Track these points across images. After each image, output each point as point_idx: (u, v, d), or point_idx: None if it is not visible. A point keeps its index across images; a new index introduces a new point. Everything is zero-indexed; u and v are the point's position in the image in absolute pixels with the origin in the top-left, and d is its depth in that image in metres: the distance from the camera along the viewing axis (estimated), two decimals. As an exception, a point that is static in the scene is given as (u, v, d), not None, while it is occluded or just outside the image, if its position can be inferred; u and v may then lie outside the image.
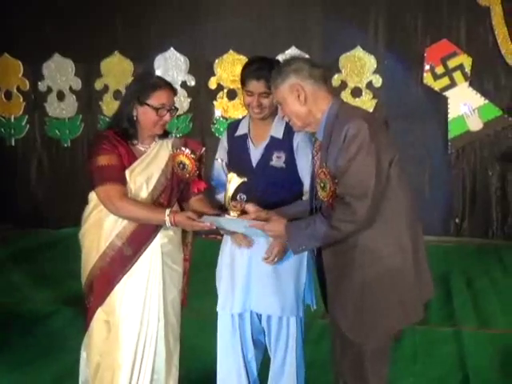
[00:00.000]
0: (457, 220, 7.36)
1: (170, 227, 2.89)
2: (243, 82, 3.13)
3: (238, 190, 2.81)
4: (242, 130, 3.27)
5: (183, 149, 2.93)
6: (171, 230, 2.98)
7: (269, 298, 3.16)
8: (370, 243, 2.54)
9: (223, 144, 3.32)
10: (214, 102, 7.71)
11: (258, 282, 3.17)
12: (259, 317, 3.28)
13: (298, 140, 3.14)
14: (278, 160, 3.14)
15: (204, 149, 3.06)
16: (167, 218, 2.82)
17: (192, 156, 2.92)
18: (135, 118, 2.93)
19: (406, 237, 2.58)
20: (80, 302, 3.10)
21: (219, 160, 3.27)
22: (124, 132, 2.94)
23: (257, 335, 3.32)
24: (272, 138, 3.17)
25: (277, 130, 3.17)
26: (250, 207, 2.73)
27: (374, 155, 2.45)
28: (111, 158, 2.86)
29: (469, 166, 7.29)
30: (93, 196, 2.98)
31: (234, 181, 2.75)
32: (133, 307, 2.94)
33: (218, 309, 3.28)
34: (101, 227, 2.95)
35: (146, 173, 2.94)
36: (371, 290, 2.56)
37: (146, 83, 2.96)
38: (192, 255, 3.18)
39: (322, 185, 2.55)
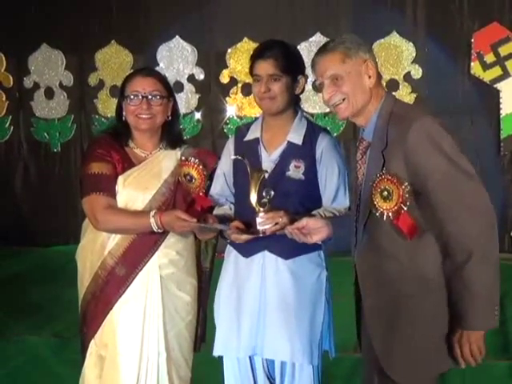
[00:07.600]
0: (511, 234, 7.29)
1: (171, 243, 2.93)
2: (251, 67, 3.03)
3: (262, 187, 2.81)
4: (252, 133, 3.11)
5: (193, 159, 2.94)
6: (174, 249, 2.98)
7: (280, 339, 2.96)
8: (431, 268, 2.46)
9: (229, 151, 3.14)
10: (227, 99, 7.70)
11: (269, 318, 2.99)
12: (270, 362, 3.10)
13: (323, 147, 3.00)
14: (296, 170, 2.98)
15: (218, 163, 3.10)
16: (152, 220, 2.84)
17: (202, 169, 2.93)
18: (124, 118, 3.01)
19: None
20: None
21: (222, 169, 3.13)
22: (116, 133, 3.01)
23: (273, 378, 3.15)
24: (290, 143, 3.01)
25: (296, 134, 3.02)
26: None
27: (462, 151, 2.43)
28: (102, 166, 2.92)
29: (525, 170, 7.24)
30: None
31: (255, 178, 2.81)
32: (130, 339, 2.92)
33: (217, 352, 3.08)
34: (94, 244, 2.97)
35: (144, 181, 2.95)
36: (426, 323, 2.49)
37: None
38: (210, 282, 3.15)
39: (386, 193, 2.39)
